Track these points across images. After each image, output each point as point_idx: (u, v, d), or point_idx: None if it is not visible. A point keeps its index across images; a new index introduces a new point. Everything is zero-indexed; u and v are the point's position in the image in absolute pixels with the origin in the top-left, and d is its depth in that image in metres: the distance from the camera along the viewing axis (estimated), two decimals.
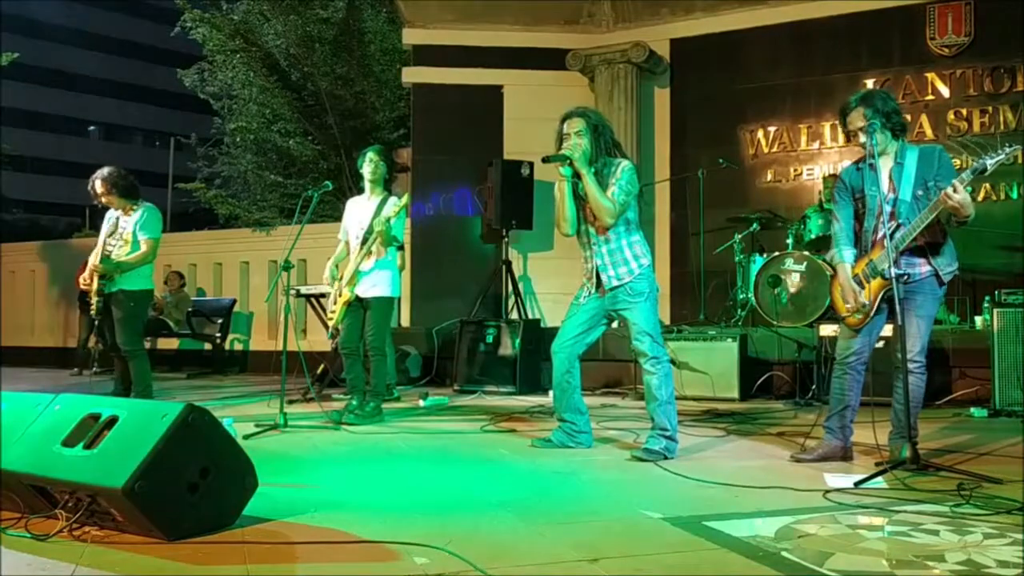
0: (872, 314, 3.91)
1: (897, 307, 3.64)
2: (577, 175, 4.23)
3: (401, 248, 7.82)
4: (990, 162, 3.60)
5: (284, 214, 14.82)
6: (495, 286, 8.65)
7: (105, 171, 5.86)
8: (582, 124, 4.25)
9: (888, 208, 3.83)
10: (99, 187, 5.78)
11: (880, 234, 3.80)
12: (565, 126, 4.30)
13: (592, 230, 4.30)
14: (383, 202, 5.59)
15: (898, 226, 3.81)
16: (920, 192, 3.85)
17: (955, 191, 3.53)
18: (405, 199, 5.55)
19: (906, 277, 3.80)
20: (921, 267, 3.87)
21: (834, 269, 4.12)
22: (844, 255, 4.02)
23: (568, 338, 4.38)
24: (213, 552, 2.58)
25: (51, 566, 2.46)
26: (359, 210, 5.71)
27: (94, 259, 5.76)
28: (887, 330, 4.10)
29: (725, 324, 7.51)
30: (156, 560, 2.52)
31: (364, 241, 5.52)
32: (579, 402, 4.47)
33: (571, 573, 2.41)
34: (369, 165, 5.66)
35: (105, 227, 5.88)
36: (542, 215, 8.27)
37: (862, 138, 3.90)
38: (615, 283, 4.24)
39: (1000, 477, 3.41)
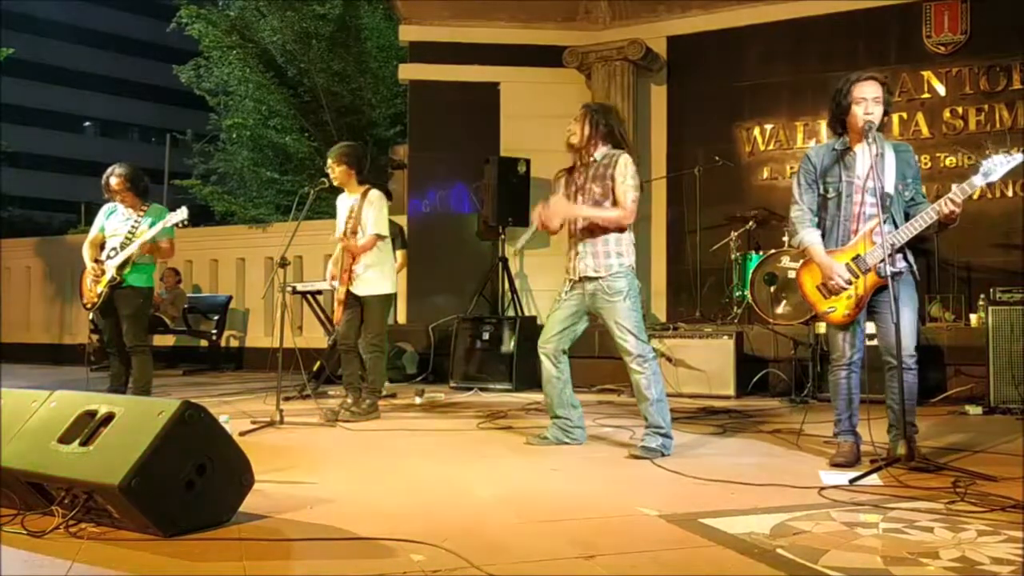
0: (863, 308, 3.81)
1: (893, 305, 3.62)
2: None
3: (404, 247, 7.85)
4: (996, 174, 3.65)
5: (280, 211, 14.80)
6: (492, 283, 8.65)
7: (123, 168, 5.75)
8: (579, 114, 4.34)
9: (872, 199, 3.74)
10: (115, 183, 5.67)
11: (867, 225, 3.75)
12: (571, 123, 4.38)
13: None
14: (364, 196, 5.57)
15: (886, 219, 3.71)
16: (900, 187, 3.81)
17: (957, 205, 3.59)
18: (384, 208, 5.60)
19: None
20: (900, 262, 3.79)
21: (803, 255, 3.95)
22: (814, 236, 3.87)
23: (552, 334, 4.39)
24: (210, 549, 2.59)
25: (47, 563, 2.46)
26: (343, 205, 5.70)
27: (108, 254, 5.61)
28: (870, 328, 4.01)
29: (721, 321, 7.52)
30: (152, 557, 2.52)
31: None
32: (571, 397, 4.48)
33: (567, 570, 2.41)
34: (330, 172, 5.61)
35: (113, 222, 5.74)
36: None
37: (876, 112, 3.78)
38: (591, 273, 4.23)
39: (995, 474, 3.41)
